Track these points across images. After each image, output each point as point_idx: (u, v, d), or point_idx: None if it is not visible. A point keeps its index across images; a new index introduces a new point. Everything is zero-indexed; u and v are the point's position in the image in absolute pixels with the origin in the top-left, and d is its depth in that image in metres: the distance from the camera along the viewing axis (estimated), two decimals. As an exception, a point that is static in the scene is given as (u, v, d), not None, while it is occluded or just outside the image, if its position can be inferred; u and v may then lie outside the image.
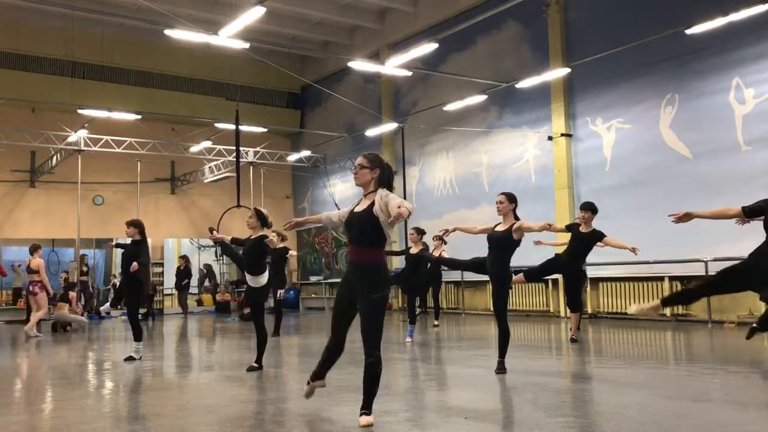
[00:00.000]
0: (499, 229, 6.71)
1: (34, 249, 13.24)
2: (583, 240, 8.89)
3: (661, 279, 12.79)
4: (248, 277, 7.43)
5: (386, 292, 4.51)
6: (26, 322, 15.99)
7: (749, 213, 4.86)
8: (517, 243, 6.61)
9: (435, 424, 4.64)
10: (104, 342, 12.00)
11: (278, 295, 11.70)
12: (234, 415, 5.07)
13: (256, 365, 7.30)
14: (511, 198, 6.75)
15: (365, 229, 4.48)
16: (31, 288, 13.04)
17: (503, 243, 6.57)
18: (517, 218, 6.69)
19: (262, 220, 7.52)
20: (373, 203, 4.47)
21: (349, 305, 4.59)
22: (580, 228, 8.99)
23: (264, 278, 7.40)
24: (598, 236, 8.83)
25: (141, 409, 5.53)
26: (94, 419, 5.03)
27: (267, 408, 5.43)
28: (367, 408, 4.46)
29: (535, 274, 9.32)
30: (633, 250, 8.39)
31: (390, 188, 4.58)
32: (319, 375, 4.88)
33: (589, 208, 9.01)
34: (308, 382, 4.97)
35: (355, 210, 4.61)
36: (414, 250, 10.49)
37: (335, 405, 5.28)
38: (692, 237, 11.99)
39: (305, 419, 4.84)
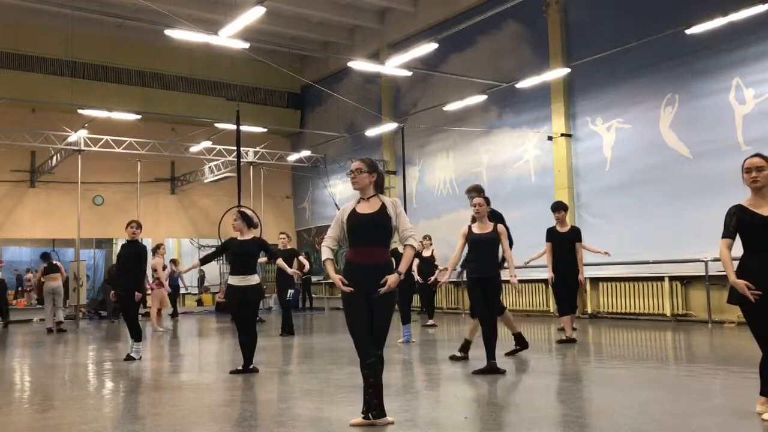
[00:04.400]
0: (480, 231, 7.03)
1: (156, 248, 14.12)
2: (567, 239, 9.19)
3: (661, 279, 12.79)
4: (237, 278, 7.21)
5: (397, 289, 4.56)
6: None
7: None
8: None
9: (434, 424, 4.64)
10: (104, 342, 12.00)
11: (288, 295, 11.69)
12: (234, 415, 5.07)
13: (251, 368, 7.23)
14: (489, 201, 7.19)
15: (379, 230, 4.55)
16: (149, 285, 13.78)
17: (493, 244, 6.98)
18: (491, 219, 7.13)
19: (248, 222, 7.51)
20: (383, 206, 4.59)
21: (366, 315, 4.47)
22: (558, 228, 9.32)
23: (255, 279, 7.34)
24: (577, 233, 9.32)
25: (141, 409, 5.52)
26: (94, 419, 5.03)
27: (267, 408, 5.43)
28: (380, 408, 4.41)
29: (568, 305, 9.36)
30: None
31: (382, 191, 4.78)
32: (377, 407, 4.42)
33: (562, 207, 9.39)
34: (366, 418, 4.42)
35: (360, 212, 4.59)
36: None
37: (335, 405, 5.28)
38: (692, 237, 12.00)
39: (305, 419, 4.83)
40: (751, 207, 4.42)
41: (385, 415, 4.44)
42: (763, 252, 4.33)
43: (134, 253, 8.69)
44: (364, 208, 4.62)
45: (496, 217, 7.73)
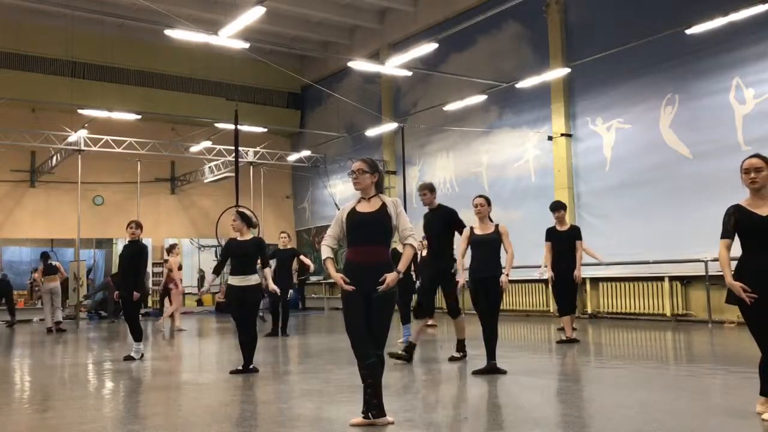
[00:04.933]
0: (481, 231, 7.03)
1: (170, 249, 14.18)
2: (566, 238, 9.23)
3: (661, 279, 12.79)
4: (237, 278, 7.24)
5: (397, 288, 4.56)
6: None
7: None
8: None
9: (434, 424, 4.64)
10: (104, 342, 11.99)
11: (288, 295, 11.69)
12: (234, 415, 5.07)
13: (251, 368, 7.22)
14: (489, 201, 7.17)
15: (379, 229, 4.55)
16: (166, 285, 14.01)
17: (495, 245, 6.97)
18: (491, 219, 7.10)
19: (247, 222, 7.50)
20: (384, 205, 4.60)
21: (364, 314, 4.47)
22: (558, 228, 9.34)
23: (255, 278, 7.34)
24: (577, 231, 9.35)
25: (141, 409, 5.52)
26: (94, 419, 5.03)
27: (267, 408, 5.43)
28: (380, 408, 4.41)
29: (568, 305, 9.38)
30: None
31: (382, 191, 4.80)
32: (377, 407, 4.40)
33: (561, 207, 9.42)
34: (366, 418, 4.40)
35: (361, 211, 4.60)
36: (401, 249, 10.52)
37: (335, 405, 5.28)
38: (692, 237, 12.01)
39: (305, 419, 4.83)
40: (749, 207, 4.41)
41: (384, 415, 4.43)
42: (762, 252, 4.32)
43: (135, 253, 8.70)
44: (365, 207, 4.63)
45: (448, 213, 7.80)
